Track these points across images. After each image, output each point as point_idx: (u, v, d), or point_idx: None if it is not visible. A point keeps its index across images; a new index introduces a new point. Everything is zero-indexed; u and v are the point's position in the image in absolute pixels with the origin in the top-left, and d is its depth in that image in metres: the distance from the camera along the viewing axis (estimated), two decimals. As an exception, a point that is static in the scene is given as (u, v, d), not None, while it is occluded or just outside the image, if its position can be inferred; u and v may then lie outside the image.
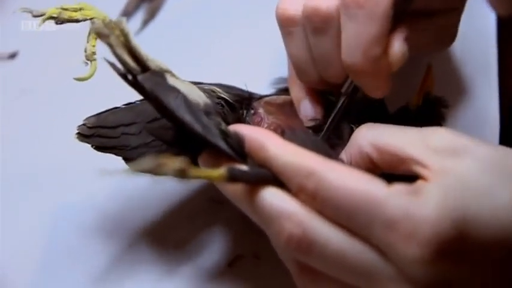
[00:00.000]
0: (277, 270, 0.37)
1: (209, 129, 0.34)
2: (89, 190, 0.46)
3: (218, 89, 0.39)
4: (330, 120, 0.39)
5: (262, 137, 0.34)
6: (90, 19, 0.36)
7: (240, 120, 0.40)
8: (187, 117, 0.34)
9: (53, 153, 0.49)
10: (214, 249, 0.43)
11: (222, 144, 0.34)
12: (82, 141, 0.38)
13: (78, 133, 0.38)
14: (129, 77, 0.33)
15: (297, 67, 0.40)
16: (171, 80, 0.35)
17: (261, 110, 0.41)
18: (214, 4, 0.56)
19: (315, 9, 0.37)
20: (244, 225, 0.43)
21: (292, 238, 0.31)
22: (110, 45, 0.32)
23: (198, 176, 0.32)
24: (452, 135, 0.32)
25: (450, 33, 0.42)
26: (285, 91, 0.43)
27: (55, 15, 0.35)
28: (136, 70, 0.34)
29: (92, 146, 0.38)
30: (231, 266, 0.42)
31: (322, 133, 0.39)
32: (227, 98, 0.39)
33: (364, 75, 0.36)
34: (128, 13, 0.54)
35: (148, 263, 0.43)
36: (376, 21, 0.34)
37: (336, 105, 0.39)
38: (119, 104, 0.39)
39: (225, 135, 0.34)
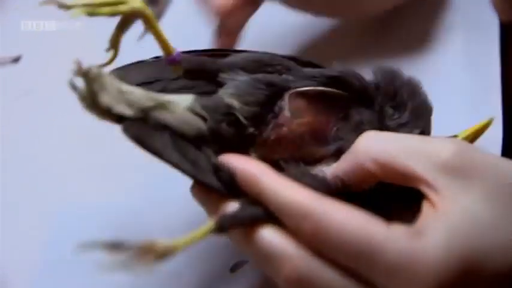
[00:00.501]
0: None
1: (198, 166, 0.33)
2: (89, 191, 0.46)
3: (236, 102, 0.36)
4: None
5: (256, 172, 0.32)
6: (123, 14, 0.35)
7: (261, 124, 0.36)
8: (174, 158, 0.33)
9: (53, 154, 0.49)
10: (216, 254, 0.42)
11: (212, 181, 0.33)
12: None
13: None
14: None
15: None
16: (159, 115, 0.34)
17: (286, 110, 0.36)
18: None
19: None
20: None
21: (291, 279, 0.31)
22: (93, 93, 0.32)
23: (188, 243, 0.31)
24: (462, 151, 0.30)
25: None
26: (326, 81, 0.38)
27: (86, 9, 0.34)
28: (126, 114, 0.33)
29: None
30: (233, 272, 0.41)
31: None
32: (239, 115, 0.36)
33: None
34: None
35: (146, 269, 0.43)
36: None
37: None
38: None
39: (217, 169, 0.33)
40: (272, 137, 0.36)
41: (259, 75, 0.36)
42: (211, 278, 0.42)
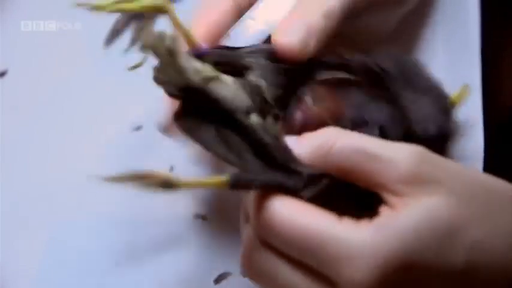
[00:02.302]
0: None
1: (241, 157, 0.34)
2: (90, 195, 0.46)
3: (264, 83, 0.37)
4: None
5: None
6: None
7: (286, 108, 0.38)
8: (220, 150, 0.34)
9: (55, 157, 0.49)
10: (200, 266, 0.42)
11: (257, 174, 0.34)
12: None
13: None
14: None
15: None
16: (215, 87, 0.36)
17: (308, 97, 0.38)
18: None
19: None
20: (230, 242, 0.43)
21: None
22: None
23: (191, 184, 0.32)
24: (423, 157, 0.31)
25: None
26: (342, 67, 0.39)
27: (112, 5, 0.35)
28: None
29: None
30: (217, 283, 0.42)
31: None
32: (266, 96, 0.37)
33: None
34: (117, 32, 0.54)
35: (134, 280, 0.43)
36: None
37: None
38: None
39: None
40: (296, 122, 0.37)
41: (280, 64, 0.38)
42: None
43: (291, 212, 0.32)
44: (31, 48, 0.55)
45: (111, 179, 0.31)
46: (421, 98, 0.38)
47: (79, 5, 0.35)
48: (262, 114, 0.36)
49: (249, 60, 0.38)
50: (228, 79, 0.36)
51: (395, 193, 0.31)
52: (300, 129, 0.37)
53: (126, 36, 0.45)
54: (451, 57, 0.49)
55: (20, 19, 0.56)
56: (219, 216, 0.44)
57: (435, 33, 0.49)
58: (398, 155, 0.31)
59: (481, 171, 0.44)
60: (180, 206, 0.45)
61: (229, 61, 0.38)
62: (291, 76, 0.38)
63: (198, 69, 0.35)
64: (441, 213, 0.30)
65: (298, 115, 0.37)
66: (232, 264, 0.41)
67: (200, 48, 0.37)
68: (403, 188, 0.30)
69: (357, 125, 0.37)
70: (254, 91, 0.37)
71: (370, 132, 0.36)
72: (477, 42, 0.49)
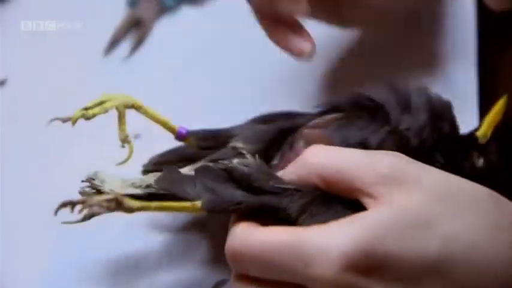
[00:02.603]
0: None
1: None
2: None
3: (240, 144, 0.39)
4: None
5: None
6: (116, 108, 0.38)
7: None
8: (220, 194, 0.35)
9: (56, 156, 0.49)
10: (198, 273, 0.42)
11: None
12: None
13: (144, 170, 0.41)
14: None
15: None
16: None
17: (301, 143, 0.38)
18: (204, 28, 0.56)
19: None
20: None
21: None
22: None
23: (164, 208, 0.34)
24: (399, 162, 0.32)
25: None
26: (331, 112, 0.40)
27: (81, 116, 0.37)
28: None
29: None
30: None
31: None
32: (245, 153, 0.38)
33: None
34: (116, 40, 0.55)
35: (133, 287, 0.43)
36: None
37: None
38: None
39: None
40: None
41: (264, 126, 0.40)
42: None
43: (251, 233, 0.32)
44: (31, 48, 0.55)
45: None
46: (419, 118, 0.38)
47: (52, 120, 0.37)
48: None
49: (232, 129, 0.40)
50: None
51: (371, 196, 0.31)
52: None
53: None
54: (448, 65, 0.50)
55: (20, 19, 0.56)
56: (217, 224, 0.43)
57: (435, 42, 0.50)
58: (373, 160, 0.32)
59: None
60: (174, 215, 0.45)
61: (213, 136, 0.40)
62: (275, 130, 0.40)
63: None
64: (412, 209, 0.31)
65: (292, 157, 0.37)
66: (228, 271, 0.41)
67: (182, 132, 0.39)
68: (378, 189, 0.31)
69: None
70: (233, 153, 0.38)
71: None
72: (474, 50, 0.49)
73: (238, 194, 0.34)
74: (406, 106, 0.38)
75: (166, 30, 0.56)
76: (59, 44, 0.55)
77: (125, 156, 0.37)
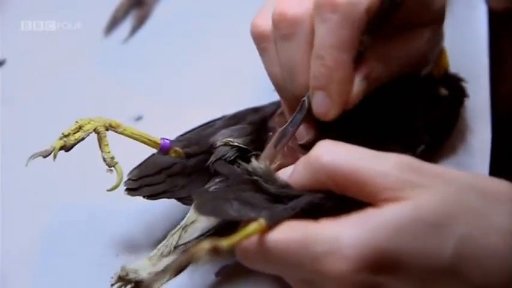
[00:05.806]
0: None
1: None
2: (90, 188, 0.45)
3: (230, 139, 0.40)
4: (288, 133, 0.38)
5: None
6: (94, 131, 0.38)
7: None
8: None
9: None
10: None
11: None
12: (132, 195, 0.39)
13: (126, 188, 0.39)
14: None
15: (276, 84, 0.40)
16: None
17: (278, 128, 0.39)
18: (203, 11, 0.56)
19: (281, 15, 0.37)
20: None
21: None
22: None
23: (234, 242, 0.31)
24: (409, 164, 0.32)
25: (422, 60, 0.42)
26: None
27: (62, 146, 0.37)
28: None
29: (143, 196, 0.40)
30: (218, 277, 0.41)
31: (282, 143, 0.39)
32: (240, 144, 0.40)
33: (325, 85, 0.36)
34: (116, 20, 0.55)
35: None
36: (351, 24, 0.35)
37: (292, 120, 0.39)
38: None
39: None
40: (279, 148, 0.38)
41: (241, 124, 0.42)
42: (196, 283, 0.41)
43: (264, 238, 0.31)
44: (31, 48, 0.55)
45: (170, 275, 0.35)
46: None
47: (33, 158, 0.37)
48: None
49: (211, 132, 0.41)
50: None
51: (384, 200, 0.31)
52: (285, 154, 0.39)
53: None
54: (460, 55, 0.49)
55: (20, 19, 0.56)
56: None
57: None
58: (386, 164, 0.32)
59: (488, 166, 0.44)
60: (176, 205, 0.45)
61: (196, 140, 0.41)
62: (253, 124, 0.41)
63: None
64: (425, 210, 0.30)
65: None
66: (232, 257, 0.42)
67: (164, 143, 0.39)
68: (391, 194, 0.31)
69: None
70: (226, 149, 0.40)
71: None
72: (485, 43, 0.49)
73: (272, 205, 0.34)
74: None
75: (167, 10, 0.56)
76: (59, 44, 0.55)
77: (115, 180, 0.38)
